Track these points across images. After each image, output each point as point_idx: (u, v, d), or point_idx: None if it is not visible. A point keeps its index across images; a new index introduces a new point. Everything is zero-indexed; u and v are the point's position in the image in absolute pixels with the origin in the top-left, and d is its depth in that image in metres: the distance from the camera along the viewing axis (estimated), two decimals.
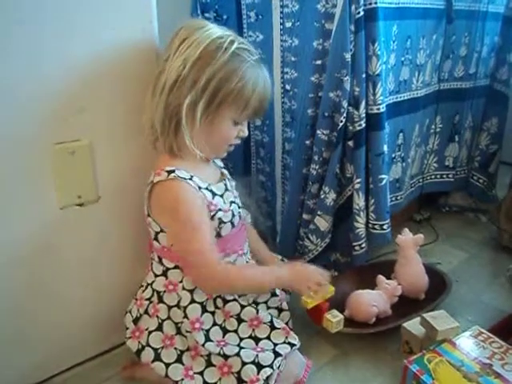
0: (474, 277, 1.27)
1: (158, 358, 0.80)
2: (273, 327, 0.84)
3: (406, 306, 1.07)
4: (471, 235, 1.51)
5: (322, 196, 1.15)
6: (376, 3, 1.01)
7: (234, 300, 0.85)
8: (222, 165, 0.97)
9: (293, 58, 1.15)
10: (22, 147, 0.78)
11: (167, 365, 0.79)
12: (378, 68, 1.05)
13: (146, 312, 0.84)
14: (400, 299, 1.08)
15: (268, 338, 0.83)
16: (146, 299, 0.85)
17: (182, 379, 0.78)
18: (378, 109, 1.08)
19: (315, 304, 0.98)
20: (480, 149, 1.57)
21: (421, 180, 1.51)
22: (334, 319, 0.96)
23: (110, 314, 0.94)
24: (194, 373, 0.79)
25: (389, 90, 1.18)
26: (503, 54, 1.46)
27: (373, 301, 1.03)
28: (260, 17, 1.19)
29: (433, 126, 1.46)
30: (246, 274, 0.86)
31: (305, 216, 1.22)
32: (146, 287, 0.86)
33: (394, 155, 1.29)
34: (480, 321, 1.01)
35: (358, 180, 1.12)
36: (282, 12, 1.13)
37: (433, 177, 1.54)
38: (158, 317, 0.82)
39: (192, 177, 0.80)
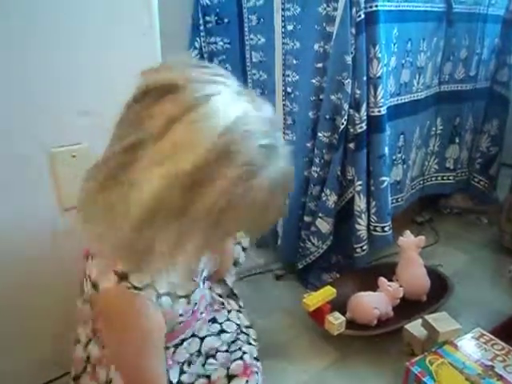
0: (475, 278, 1.27)
1: None
2: None
3: (408, 307, 1.07)
4: (472, 237, 1.51)
5: (324, 198, 1.16)
6: (377, 6, 1.01)
7: None
8: None
9: (294, 61, 1.15)
10: (24, 150, 0.78)
11: None
12: (378, 70, 1.05)
13: (85, 371, 0.73)
14: (402, 301, 1.08)
15: None
16: (84, 360, 0.72)
17: None
18: (379, 111, 1.09)
19: (317, 306, 0.98)
20: (481, 151, 1.57)
21: (421, 182, 1.51)
22: (335, 321, 0.96)
23: None
24: None
25: (390, 92, 1.18)
26: (503, 56, 1.46)
27: (374, 303, 1.03)
28: (261, 20, 1.20)
29: (433, 128, 1.46)
30: None
31: (306, 218, 1.22)
32: (83, 345, 0.72)
33: (394, 157, 1.29)
34: (482, 322, 1.01)
35: (360, 182, 1.12)
36: (283, 15, 1.13)
37: (433, 179, 1.54)
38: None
39: (143, 278, 0.60)
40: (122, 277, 0.58)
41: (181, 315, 0.70)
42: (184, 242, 0.51)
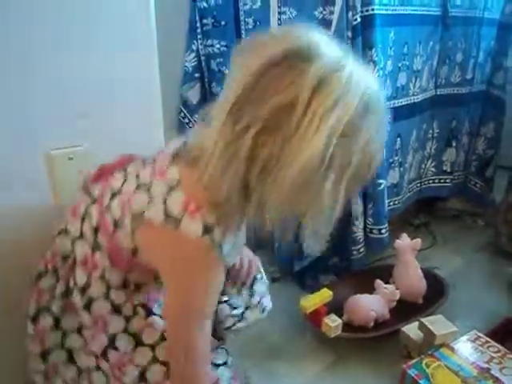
0: (471, 281, 1.28)
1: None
2: None
3: (404, 310, 1.07)
4: (469, 239, 1.51)
5: None
6: (373, 10, 1.02)
7: None
8: None
9: None
10: (24, 151, 0.78)
11: None
12: (375, 74, 1.05)
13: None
14: (398, 303, 1.08)
15: None
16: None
17: None
18: None
19: (314, 309, 0.99)
20: (477, 153, 1.58)
21: (418, 185, 1.52)
22: (332, 324, 0.96)
23: None
24: None
25: (386, 95, 1.18)
26: (499, 59, 1.47)
27: (371, 305, 1.03)
28: (258, 23, 1.20)
29: (430, 131, 1.47)
30: None
31: None
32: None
33: (391, 160, 1.29)
34: (478, 325, 1.01)
35: None
36: (279, 18, 1.14)
37: (430, 181, 1.55)
38: None
39: (225, 235, 0.60)
40: (207, 230, 0.58)
41: None
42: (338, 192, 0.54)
